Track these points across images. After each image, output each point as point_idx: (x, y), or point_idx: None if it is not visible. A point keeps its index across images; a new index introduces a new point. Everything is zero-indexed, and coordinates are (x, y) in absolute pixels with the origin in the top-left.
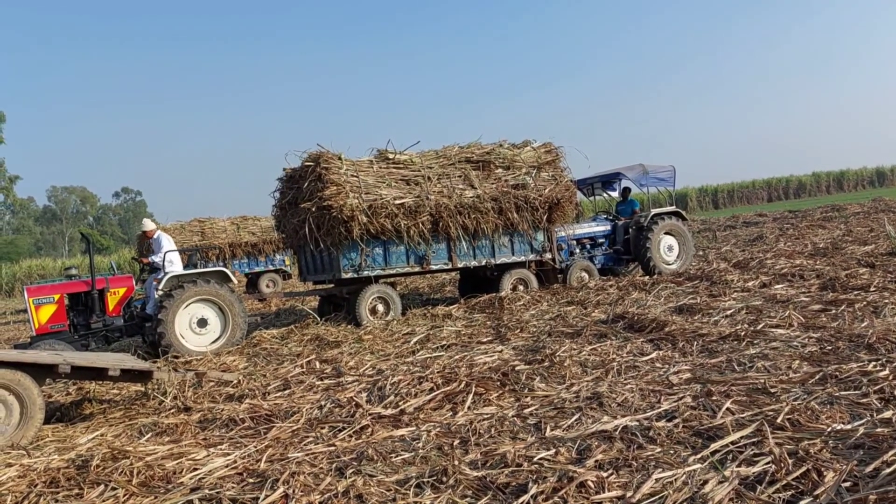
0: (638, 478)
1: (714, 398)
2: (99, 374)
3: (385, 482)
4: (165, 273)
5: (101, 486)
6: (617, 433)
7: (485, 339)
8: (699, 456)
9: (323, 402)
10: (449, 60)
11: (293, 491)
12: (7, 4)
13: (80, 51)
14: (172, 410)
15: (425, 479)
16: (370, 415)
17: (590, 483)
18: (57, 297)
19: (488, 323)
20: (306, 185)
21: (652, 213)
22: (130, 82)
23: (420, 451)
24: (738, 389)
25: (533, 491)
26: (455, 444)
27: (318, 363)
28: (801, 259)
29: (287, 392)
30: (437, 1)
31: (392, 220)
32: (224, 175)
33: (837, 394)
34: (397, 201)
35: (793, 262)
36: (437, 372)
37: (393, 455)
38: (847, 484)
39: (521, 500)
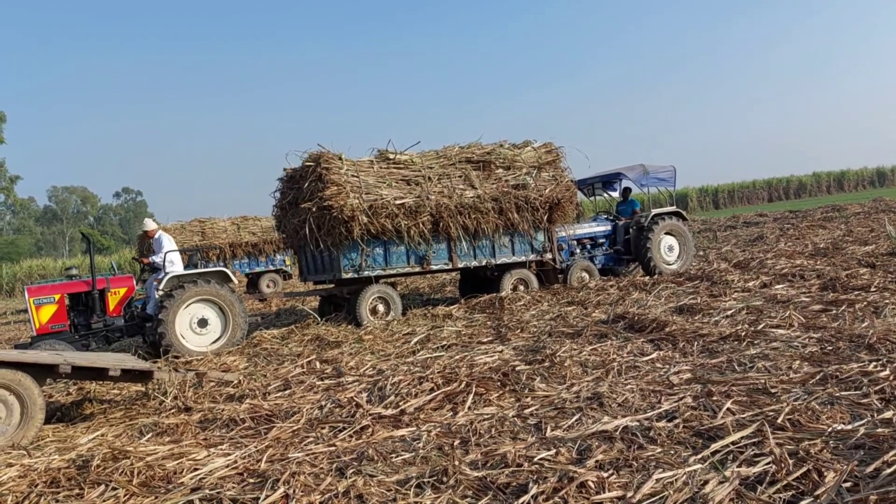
0: (638, 478)
1: (714, 398)
2: (99, 374)
3: (385, 482)
4: (166, 273)
5: (102, 487)
6: (617, 433)
7: (485, 340)
8: (700, 456)
9: (323, 403)
10: (449, 60)
11: (293, 491)
12: (7, 4)
13: (80, 51)
14: (173, 410)
15: (426, 480)
16: (370, 415)
17: (590, 483)
18: (57, 297)
19: (489, 323)
20: (307, 185)
21: (652, 214)
22: (130, 82)
23: (420, 451)
24: (739, 390)
25: (533, 491)
26: (455, 444)
27: (318, 363)
28: (801, 259)
29: (287, 392)
30: (437, 1)
31: (392, 220)
32: (224, 175)
33: (838, 394)
34: (398, 201)
35: (793, 263)
36: (438, 372)
37: (393, 455)
38: (848, 484)
39: (521, 500)
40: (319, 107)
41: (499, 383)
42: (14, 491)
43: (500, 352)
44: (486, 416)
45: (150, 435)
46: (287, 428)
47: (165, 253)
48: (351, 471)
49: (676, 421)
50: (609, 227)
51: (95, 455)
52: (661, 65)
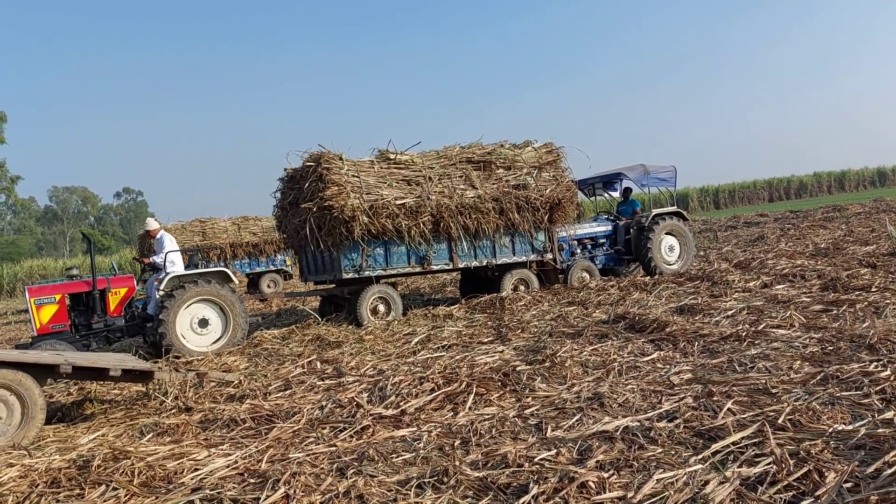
0: (639, 478)
1: (715, 398)
2: (100, 374)
3: (386, 482)
4: (167, 273)
5: (103, 487)
6: (618, 433)
7: (486, 340)
8: (700, 456)
9: (324, 403)
10: (449, 60)
11: (294, 491)
12: (7, 4)
13: (80, 51)
14: (173, 411)
15: (426, 480)
16: (371, 415)
17: (591, 483)
18: (58, 297)
19: (489, 323)
20: (307, 185)
21: (653, 214)
22: (130, 82)
23: (421, 451)
24: (740, 390)
25: (534, 491)
26: (456, 444)
27: (319, 363)
28: (802, 259)
29: (288, 392)
30: (437, 1)
31: (393, 220)
32: (224, 175)
33: (839, 394)
34: (398, 201)
35: (794, 263)
36: (438, 372)
37: (394, 455)
38: (848, 485)
39: (522, 500)
40: (319, 107)
41: (499, 383)
42: (15, 491)
43: (501, 352)
44: (486, 417)
45: (150, 435)
46: (288, 428)
47: (166, 253)
48: (351, 471)
49: (677, 421)
50: (610, 228)
51: (96, 455)
52: (661, 65)
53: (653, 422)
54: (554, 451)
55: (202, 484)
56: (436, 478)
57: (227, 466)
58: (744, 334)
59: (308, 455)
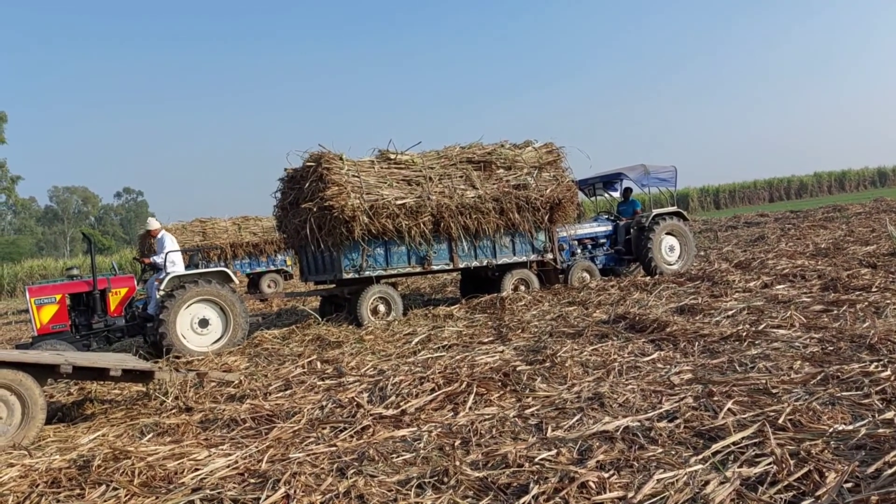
0: (639, 478)
1: (715, 399)
2: (100, 374)
3: (386, 482)
4: (167, 273)
5: (103, 487)
6: (618, 434)
7: (486, 340)
8: (701, 456)
9: (324, 403)
10: (449, 60)
11: (294, 491)
12: (7, 4)
13: (80, 51)
14: (174, 411)
15: (426, 480)
16: (371, 415)
17: (591, 483)
18: (58, 297)
19: (489, 323)
20: (308, 185)
21: (653, 214)
22: (130, 82)
23: (421, 451)
24: (740, 390)
25: (534, 491)
26: (456, 444)
27: (319, 363)
28: (802, 259)
29: (288, 392)
30: (437, 1)
31: (393, 220)
32: (224, 175)
33: (839, 394)
34: (399, 202)
35: (794, 263)
36: (439, 372)
37: (394, 455)
38: (849, 485)
39: (522, 500)
40: (319, 107)
41: (500, 383)
42: (15, 491)
43: (501, 352)
44: (486, 417)
45: (151, 435)
46: (288, 428)
47: (167, 253)
48: (352, 471)
49: (677, 421)
50: (610, 228)
51: (96, 455)
52: (661, 65)
53: (653, 422)
54: (554, 451)
55: (202, 484)
56: (436, 478)
57: (228, 466)
58: (744, 334)
59: (308, 455)
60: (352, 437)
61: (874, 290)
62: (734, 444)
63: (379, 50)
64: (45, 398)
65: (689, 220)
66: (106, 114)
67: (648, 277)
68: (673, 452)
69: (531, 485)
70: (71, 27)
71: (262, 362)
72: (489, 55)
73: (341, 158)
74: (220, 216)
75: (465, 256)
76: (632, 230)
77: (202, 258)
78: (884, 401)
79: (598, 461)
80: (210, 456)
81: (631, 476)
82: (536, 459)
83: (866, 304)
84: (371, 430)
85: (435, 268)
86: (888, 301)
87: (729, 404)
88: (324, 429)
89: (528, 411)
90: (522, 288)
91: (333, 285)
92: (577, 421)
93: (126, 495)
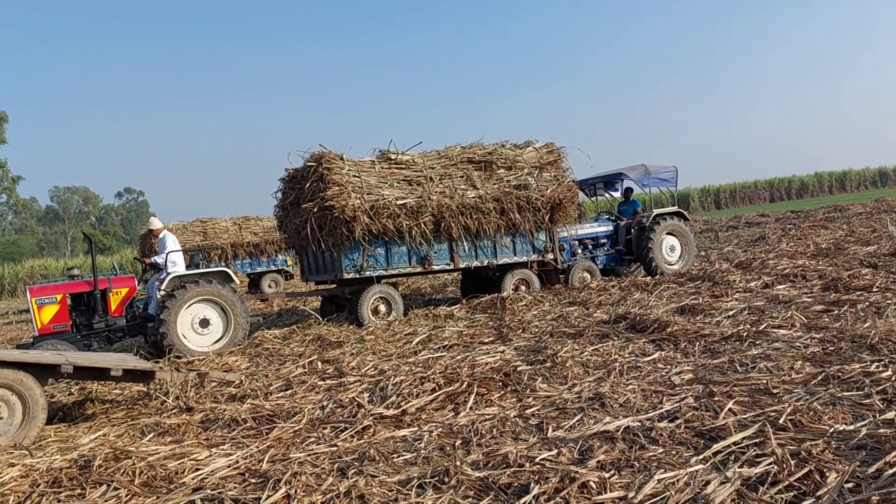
0: (640, 478)
1: (716, 399)
2: (101, 374)
3: (387, 482)
4: (168, 273)
5: (104, 487)
6: (619, 434)
7: (487, 340)
8: (701, 456)
9: (325, 403)
10: (449, 60)
11: (295, 491)
12: (7, 4)
13: (80, 51)
14: (174, 411)
15: (427, 480)
16: (372, 415)
17: (592, 483)
18: (59, 297)
19: (490, 323)
20: (308, 185)
21: (654, 214)
22: (130, 82)
23: (422, 451)
24: (741, 390)
25: (535, 491)
26: (457, 444)
27: (319, 363)
28: (803, 259)
29: (289, 392)
30: (437, 1)
31: (394, 220)
32: (225, 175)
33: (840, 394)
34: (399, 202)
35: (795, 263)
36: (439, 372)
37: (395, 455)
38: (849, 485)
39: (522, 500)
40: (319, 107)
41: (500, 383)
42: (16, 491)
43: (502, 352)
44: (487, 417)
45: (151, 435)
46: (289, 428)
47: (167, 253)
48: (352, 471)
49: (678, 421)
50: (611, 228)
51: (97, 455)
52: (661, 65)
53: (654, 422)
54: (555, 451)
55: (203, 484)
56: (437, 478)
57: (228, 466)
58: (745, 334)
59: (309, 455)
60: (352, 437)
61: (875, 290)
62: (735, 444)
63: (379, 50)
64: (46, 398)
65: (689, 220)
66: (106, 114)
67: (649, 277)
68: (674, 452)
69: (532, 485)
70: (71, 27)
71: (262, 362)
72: (489, 55)
73: (342, 158)
74: (221, 216)
75: (466, 256)
76: (632, 230)
77: (203, 258)
78: (885, 401)
79: (598, 461)
80: (211, 456)
81: (632, 476)
82: (537, 459)
83: (867, 304)
84: (372, 430)
85: (436, 268)
86: (889, 301)
87: (730, 404)
88: (324, 429)
89: (528, 411)
90: (523, 288)
91: (334, 285)
92: (577, 421)
93: (127, 495)
